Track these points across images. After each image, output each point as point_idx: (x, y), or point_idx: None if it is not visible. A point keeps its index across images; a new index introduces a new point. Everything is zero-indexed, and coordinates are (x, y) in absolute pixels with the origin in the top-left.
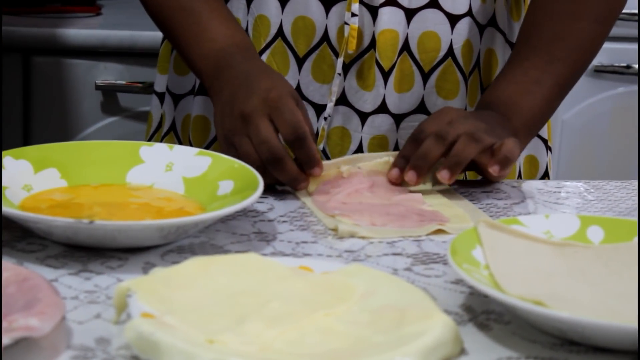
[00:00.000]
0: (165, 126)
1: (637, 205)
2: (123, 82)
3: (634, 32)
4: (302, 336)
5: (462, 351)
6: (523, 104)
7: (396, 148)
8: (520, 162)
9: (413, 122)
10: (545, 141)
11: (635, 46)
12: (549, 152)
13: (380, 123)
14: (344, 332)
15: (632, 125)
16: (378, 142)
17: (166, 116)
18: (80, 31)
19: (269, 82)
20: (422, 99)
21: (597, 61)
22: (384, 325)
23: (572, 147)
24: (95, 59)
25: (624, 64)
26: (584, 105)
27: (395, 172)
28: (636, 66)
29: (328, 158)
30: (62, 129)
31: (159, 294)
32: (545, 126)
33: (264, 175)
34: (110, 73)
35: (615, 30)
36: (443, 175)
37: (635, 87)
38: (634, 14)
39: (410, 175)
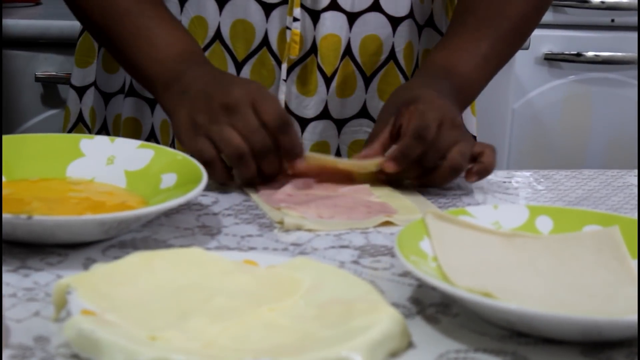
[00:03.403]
0: (97, 126)
1: (587, 195)
2: (64, 73)
3: (584, 20)
4: (247, 331)
5: (410, 345)
6: (473, 79)
7: (337, 153)
8: None
9: (355, 126)
10: (474, 137)
11: (585, 34)
12: None
13: (322, 129)
14: (290, 327)
15: (582, 114)
16: (319, 148)
17: (97, 115)
18: (19, 21)
19: (241, 77)
20: (365, 103)
21: (547, 49)
22: (331, 319)
23: (523, 136)
24: (35, 50)
25: (575, 52)
26: (535, 94)
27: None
28: (587, 54)
29: None
30: (1, 122)
31: (99, 290)
32: (474, 123)
33: (241, 166)
34: (50, 64)
35: (566, 18)
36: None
37: (587, 75)
38: (584, 2)
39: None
